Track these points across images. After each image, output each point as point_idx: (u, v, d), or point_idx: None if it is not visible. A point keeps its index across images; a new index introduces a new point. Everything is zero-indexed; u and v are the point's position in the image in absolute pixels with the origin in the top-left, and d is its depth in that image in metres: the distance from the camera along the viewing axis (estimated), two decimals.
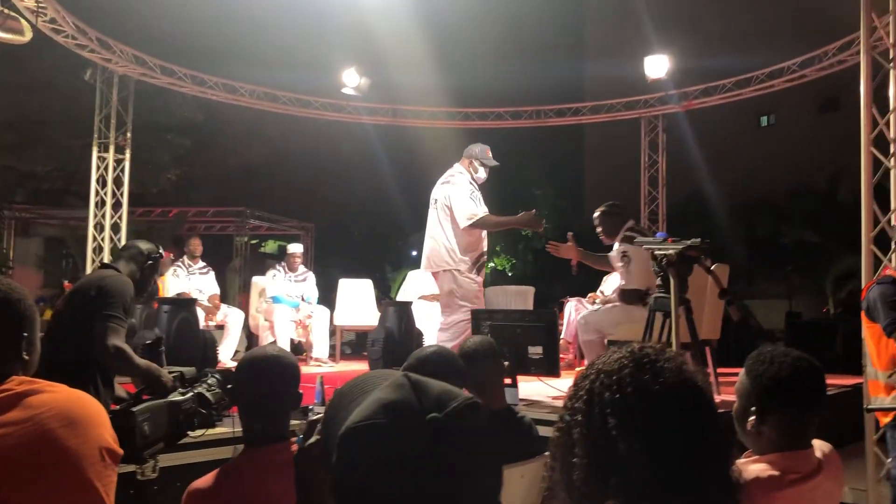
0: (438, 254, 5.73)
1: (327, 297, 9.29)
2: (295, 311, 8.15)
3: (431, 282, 8.69)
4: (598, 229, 5.76)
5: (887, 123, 4.46)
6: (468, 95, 13.46)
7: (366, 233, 23.21)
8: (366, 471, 0.86)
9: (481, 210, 5.65)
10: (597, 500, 1.34)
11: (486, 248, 5.95)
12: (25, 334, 1.59)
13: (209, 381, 2.63)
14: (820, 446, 1.97)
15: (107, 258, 9.05)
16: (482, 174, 5.95)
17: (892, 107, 4.46)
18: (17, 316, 1.58)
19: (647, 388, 1.32)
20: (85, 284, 3.29)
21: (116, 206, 9.28)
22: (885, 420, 3.25)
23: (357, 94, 10.37)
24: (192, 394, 2.54)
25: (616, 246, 5.46)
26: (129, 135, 9.41)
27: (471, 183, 5.76)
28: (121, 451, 1.59)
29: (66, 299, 3.26)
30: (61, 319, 3.23)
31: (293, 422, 2.25)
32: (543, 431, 3.04)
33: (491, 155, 6.03)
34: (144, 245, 3.60)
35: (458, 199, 5.65)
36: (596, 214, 5.92)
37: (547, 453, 1.47)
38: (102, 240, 9.13)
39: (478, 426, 0.91)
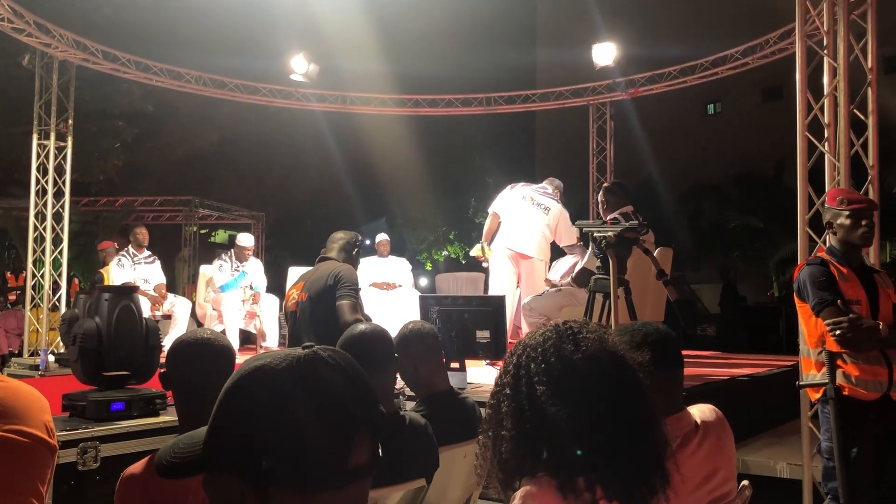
0: (543, 245, 6.50)
1: (279, 285, 9.23)
2: (242, 292, 8.08)
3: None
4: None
5: (821, 108, 4.58)
6: (418, 82, 13.43)
7: (318, 222, 23.06)
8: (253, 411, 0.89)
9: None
10: (527, 474, 1.36)
11: None
12: None
13: None
14: (701, 412, 2.01)
15: (48, 248, 8.85)
16: None
17: (825, 93, 4.58)
18: None
19: (569, 357, 1.36)
20: (320, 276, 4.17)
21: (58, 194, 9.05)
22: (816, 396, 3.35)
23: (306, 80, 10.26)
24: None
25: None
26: (70, 122, 9.18)
27: None
28: (55, 444, 1.54)
29: (306, 291, 4.18)
30: (305, 307, 4.14)
31: None
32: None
33: None
34: (347, 235, 4.46)
35: (568, 222, 6.58)
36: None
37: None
38: (44, 229, 8.90)
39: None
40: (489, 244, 6.63)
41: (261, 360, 0.92)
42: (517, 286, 6.45)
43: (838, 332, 3.11)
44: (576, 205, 6.73)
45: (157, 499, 1.88)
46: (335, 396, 0.89)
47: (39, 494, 1.46)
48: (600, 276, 3.87)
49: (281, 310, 8.56)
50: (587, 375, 1.34)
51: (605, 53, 10.04)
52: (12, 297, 12.65)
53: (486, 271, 7.13)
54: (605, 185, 5.73)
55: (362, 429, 0.90)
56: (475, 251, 6.90)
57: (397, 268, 8.85)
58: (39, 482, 1.46)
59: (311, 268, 4.59)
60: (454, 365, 4.66)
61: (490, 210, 6.84)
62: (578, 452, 1.31)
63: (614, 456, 1.30)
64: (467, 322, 4.99)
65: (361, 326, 2.73)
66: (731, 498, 1.89)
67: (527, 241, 6.42)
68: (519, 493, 1.33)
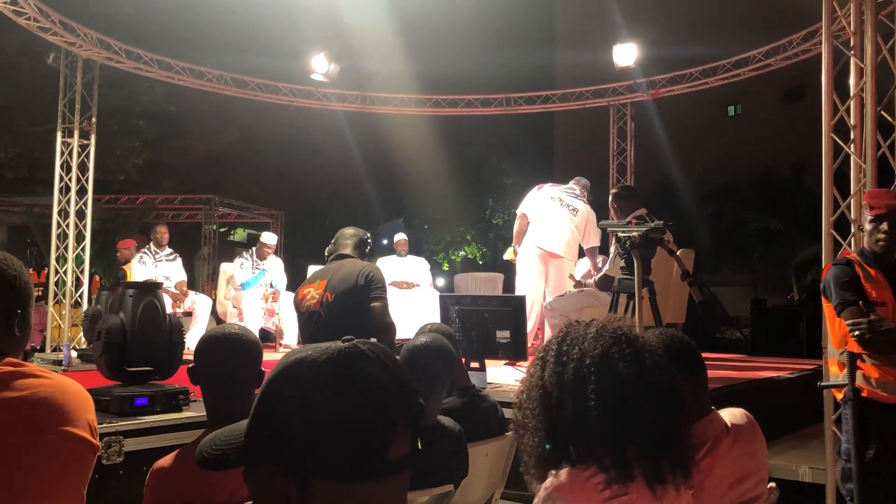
0: (572, 245, 6.53)
1: (298, 284, 9.26)
2: (263, 289, 8.13)
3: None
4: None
5: (847, 110, 4.53)
6: (438, 82, 13.43)
7: (337, 220, 23.09)
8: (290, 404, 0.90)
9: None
10: (553, 464, 1.37)
11: None
12: (19, 311, 1.54)
13: None
14: (732, 415, 2.01)
15: (71, 245, 8.93)
16: None
17: (852, 94, 4.54)
18: (12, 292, 1.53)
19: (580, 332, 1.42)
20: (347, 275, 4.00)
21: (81, 192, 9.13)
22: (840, 396, 3.33)
23: (326, 80, 10.29)
24: None
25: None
26: (94, 120, 9.26)
27: None
28: (98, 443, 1.55)
29: (331, 290, 3.98)
30: (332, 307, 3.94)
31: None
32: (510, 414, 3.07)
33: None
34: (358, 232, 4.35)
35: (595, 223, 6.52)
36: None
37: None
38: (67, 226, 8.99)
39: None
40: (520, 245, 6.62)
41: (302, 353, 0.93)
42: (545, 286, 6.45)
43: (857, 332, 3.09)
44: (594, 207, 6.78)
45: (185, 492, 1.90)
46: (375, 389, 0.90)
47: (81, 497, 1.47)
48: (624, 277, 3.85)
49: None
50: (593, 343, 1.38)
51: (625, 54, 9.99)
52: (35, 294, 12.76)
53: (506, 272, 7.14)
54: (614, 190, 5.74)
55: (401, 421, 0.91)
56: (508, 255, 6.90)
57: (416, 267, 8.86)
58: (81, 485, 1.47)
59: (322, 266, 4.53)
60: (474, 364, 4.66)
61: (518, 211, 6.83)
62: (595, 442, 1.32)
63: (630, 446, 1.31)
64: (487, 322, 4.99)
65: (424, 339, 2.69)
66: (761, 501, 1.89)
67: (556, 241, 6.43)
68: (543, 485, 1.35)
